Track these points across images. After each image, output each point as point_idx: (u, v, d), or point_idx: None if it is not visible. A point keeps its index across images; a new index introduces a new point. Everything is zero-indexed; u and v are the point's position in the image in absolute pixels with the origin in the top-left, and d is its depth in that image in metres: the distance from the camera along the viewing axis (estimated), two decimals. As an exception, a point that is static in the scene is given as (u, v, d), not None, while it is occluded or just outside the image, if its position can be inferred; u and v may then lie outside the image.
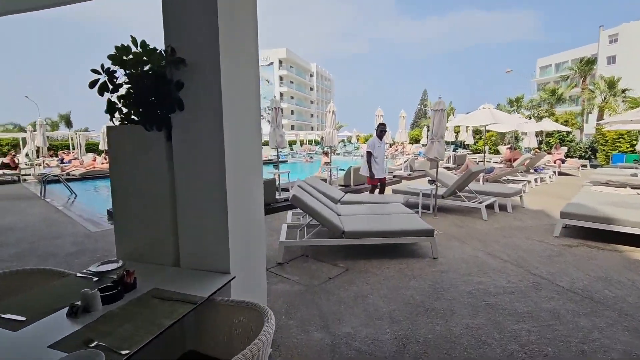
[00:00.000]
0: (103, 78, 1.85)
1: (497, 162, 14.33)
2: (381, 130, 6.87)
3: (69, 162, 16.25)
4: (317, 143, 33.37)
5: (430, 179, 7.31)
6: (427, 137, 25.82)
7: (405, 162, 12.81)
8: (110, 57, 1.83)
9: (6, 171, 12.48)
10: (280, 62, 62.82)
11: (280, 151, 25.66)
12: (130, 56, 1.82)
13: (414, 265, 4.08)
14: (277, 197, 7.69)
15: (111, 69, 1.86)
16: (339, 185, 9.77)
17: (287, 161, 22.69)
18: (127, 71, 1.83)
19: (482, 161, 18.63)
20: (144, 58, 1.79)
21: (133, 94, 1.85)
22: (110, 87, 1.85)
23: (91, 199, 9.94)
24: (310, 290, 3.48)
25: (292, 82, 65.45)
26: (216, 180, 1.87)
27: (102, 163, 15.04)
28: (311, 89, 73.77)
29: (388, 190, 7.60)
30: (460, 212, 6.86)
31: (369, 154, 6.69)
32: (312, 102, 73.90)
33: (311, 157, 22.60)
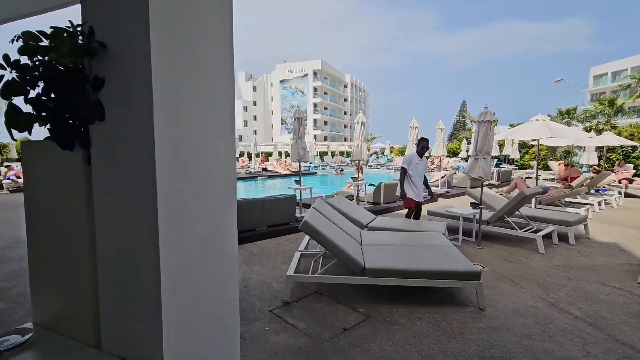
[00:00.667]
0: (9, 74, 1.30)
1: (547, 180, 12.80)
2: (423, 147, 5.80)
3: None
4: (348, 155, 32.65)
5: (473, 201, 6.33)
6: (468, 152, 24.18)
7: (442, 177, 11.73)
8: (20, 48, 1.28)
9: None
10: (315, 73, 63.29)
11: (310, 162, 25.31)
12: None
13: (453, 316, 3.22)
14: (298, 214, 7.06)
15: (21, 63, 1.30)
16: (368, 202, 8.96)
17: (316, 173, 22.16)
18: (36, 64, 1.27)
19: (528, 177, 16.95)
20: (51, 44, 1.21)
21: (41, 97, 1.28)
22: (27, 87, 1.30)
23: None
24: (317, 347, 2.74)
25: (326, 93, 65.62)
26: (147, 221, 1.23)
27: None
28: (345, 100, 73.54)
29: (422, 210, 6.69)
30: (509, 241, 5.81)
31: (403, 170, 5.78)
32: (345, 113, 73.57)
33: (342, 170, 21.90)
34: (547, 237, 5.64)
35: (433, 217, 6.51)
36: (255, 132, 61.41)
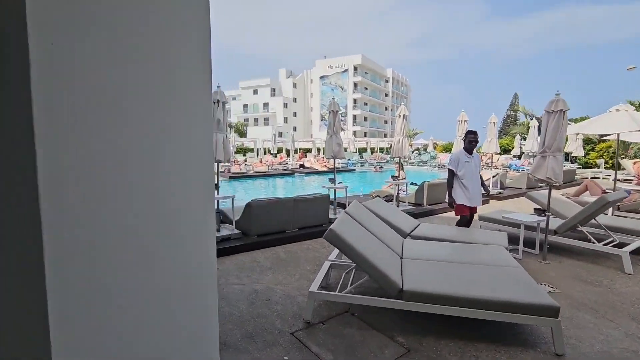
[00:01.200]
0: None
1: (620, 181, 11.09)
2: (470, 141, 4.92)
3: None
4: (388, 151, 31.52)
5: (537, 206, 5.40)
6: (521, 148, 22.16)
7: (494, 177, 10.58)
8: None
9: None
10: (355, 68, 62.16)
11: (349, 159, 24.65)
12: None
13: (519, 357, 2.52)
14: (332, 215, 6.53)
15: None
16: (409, 203, 8.21)
17: (354, 170, 21.48)
18: None
19: (596, 177, 14.96)
20: None
21: None
22: None
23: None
24: (344, 392, 2.21)
25: (366, 89, 64.28)
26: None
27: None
28: (386, 95, 71.58)
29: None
30: (583, 256, 4.84)
31: (451, 172, 4.97)
32: (386, 109, 71.63)
33: (381, 167, 21.03)
34: (635, 252, 4.60)
35: (485, 223, 5.66)
36: (294, 128, 61.83)
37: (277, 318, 3.13)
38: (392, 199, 8.20)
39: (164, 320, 1.13)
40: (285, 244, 5.40)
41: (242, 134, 54.46)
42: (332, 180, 6.72)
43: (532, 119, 25.22)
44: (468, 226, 5.07)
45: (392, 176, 8.06)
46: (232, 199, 5.38)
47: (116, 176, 0.98)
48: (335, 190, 6.78)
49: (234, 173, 16.15)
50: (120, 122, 0.98)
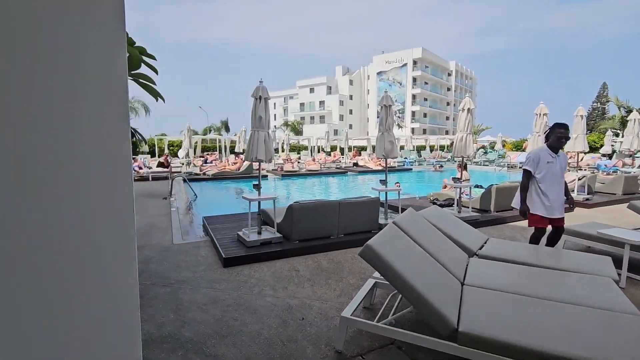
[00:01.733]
0: None
1: None
2: (559, 137, 3.92)
3: (211, 162, 18.27)
4: (450, 149, 29.41)
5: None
6: (613, 146, 19.05)
7: (580, 179, 8.99)
8: None
9: (160, 169, 14.61)
10: (415, 62, 59.47)
11: (405, 158, 23.40)
12: None
13: None
14: (383, 221, 5.94)
15: None
16: (473, 208, 7.24)
17: (411, 169, 20.29)
18: None
19: None
20: None
21: None
22: None
23: (207, 201, 10.30)
24: None
25: (426, 83, 61.17)
26: None
27: (232, 164, 16.21)
28: (448, 89, 67.41)
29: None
30: None
31: (527, 174, 4.07)
32: (448, 104, 67.49)
33: (441, 166, 19.54)
34: None
35: (571, 238, 4.62)
36: (350, 126, 61.23)
37: (309, 344, 2.70)
38: (453, 203, 7.30)
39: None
40: (328, 251, 4.96)
41: (297, 132, 55.43)
42: (384, 182, 6.10)
43: (630, 112, 21.52)
44: (553, 242, 4.14)
45: (454, 178, 7.15)
46: (274, 200, 5.08)
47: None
48: (386, 194, 6.15)
49: (287, 171, 16.17)
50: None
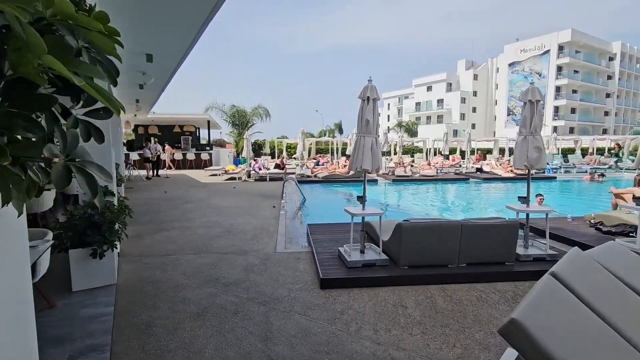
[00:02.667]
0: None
1: None
2: None
3: (322, 164, 18.66)
4: (613, 152, 23.09)
5: None
6: None
7: None
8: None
9: (277, 170, 15.56)
10: (561, 48, 49.53)
11: (548, 163, 19.30)
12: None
13: None
14: (522, 251, 4.60)
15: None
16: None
17: (555, 177, 16.57)
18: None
19: None
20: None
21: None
22: None
23: (315, 205, 10.28)
24: None
25: (576, 72, 50.20)
26: None
27: (343, 167, 16.11)
28: (609, 77, 53.81)
29: None
30: None
31: None
32: (609, 96, 53.93)
33: (601, 174, 15.27)
34: None
35: None
36: (472, 126, 55.13)
37: None
38: (632, 232, 5.29)
39: None
40: (445, 284, 4.01)
41: (412, 133, 52.80)
42: (524, 200, 4.73)
43: None
44: None
45: (637, 197, 5.09)
46: (380, 217, 4.40)
47: None
48: (528, 215, 4.76)
49: (398, 176, 15.15)
50: None
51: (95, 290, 3.87)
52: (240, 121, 26.09)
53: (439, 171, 16.84)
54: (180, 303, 3.56)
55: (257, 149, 28.00)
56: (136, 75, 7.05)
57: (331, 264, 4.36)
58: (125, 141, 18.00)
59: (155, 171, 15.90)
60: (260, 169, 15.28)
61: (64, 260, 3.81)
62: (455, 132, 51.31)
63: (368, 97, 4.23)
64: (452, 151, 25.85)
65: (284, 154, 20.90)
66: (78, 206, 4.21)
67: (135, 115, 16.26)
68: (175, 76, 7.93)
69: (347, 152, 20.24)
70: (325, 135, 48.95)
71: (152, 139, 17.01)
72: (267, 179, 14.83)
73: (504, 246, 4.32)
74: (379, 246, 4.52)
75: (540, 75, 51.35)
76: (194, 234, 6.14)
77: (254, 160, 17.13)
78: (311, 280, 4.15)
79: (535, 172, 16.04)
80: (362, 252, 4.49)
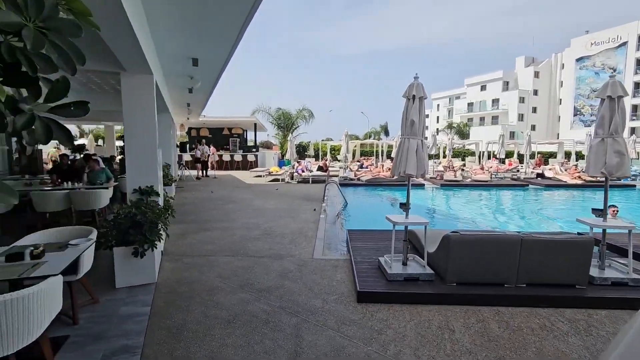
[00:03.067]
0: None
1: None
2: None
3: (366, 167, 18.24)
4: None
5: None
6: None
7: None
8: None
9: (319, 173, 15.46)
10: (642, 38, 43.88)
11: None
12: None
13: None
14: (596, 273, 3.93)
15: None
16: None
17: (634, 186, 14.53)
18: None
19: None
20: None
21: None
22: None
23: (357, 209, 9.96)
24: None
25: (661, 65, 44.11)
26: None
27: (388, 170, 15.57)
28: None
29: None
30: None
31: None
32: (702, 92, 46.60)
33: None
34: None
35: None
36: (532, 127, 50.85)
37: None
38: None
39: None
40: (501, 306, 3.53)
41: (463, 135, 50.04)
42: (600, 212, 4.04)
43: None
44: None
45: None
46: (425, 227, 4.01)
47: None
48: (604, 232, 4.06)
49: (447, 180, 14.26)
50: None
51: (136, 288, 3.96)
52: (285, 123, 26.51)
53: (493, 176, 15.60)
54: (213, 307, 3.50)
55: (301, 150, 28.24)
56: (185, 79, 7.32)
57: (370, 275, 4.06)
58: (178, 143, 19.09)
59: (204, 172, 16.63)
60: (303, 171, 15.28)
61: (112, 258, 3.95)
62: (513, 134, 47.73)
63: (414, 96, 3.88)
64: (509, 154, 23.95)
65: (328, 156, 20.77)
66: (124, 205, 4.37)
67: (188, 118, 17.14)
68: (225, 81, 8.13)
69: (392, 155, 19.61)
70: (370, 137, 48.13)
71: (202, 140, 17.82)
72: (310, 181, 14.78)
73: (575, 266, 3.70)
74: (423, 258, 4.13)
75: (614, 70, 45.94)
76: (234, 235, 6.17)
77: (297, 162, 17.20)
78: (348, 291, 3.89)
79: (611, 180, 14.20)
80: (404, 264, 4.13)
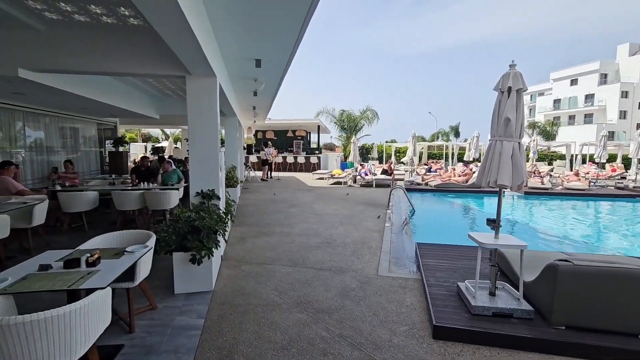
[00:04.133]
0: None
1: None
2: None
3: (435, 171, 16.94)
4: None
5: None
6: None
7: None
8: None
9: (384, 176, 14.71)
10: None
11: None
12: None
13: None
14: None
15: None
16: None
17: None
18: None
19: None
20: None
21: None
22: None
23: (426, 218, 9.08)
24: None
25: None
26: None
27: (460, 175, 14.20)
28: None
29: None
30: None
31: None
32: None
33: None
34: None
35: None
36: (638, 126, 43.12)
37: None
38: None
39: None
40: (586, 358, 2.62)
41: (548, 135, 44.44)
42: None
43: None
44: None
45: None
46: (522, 251, 3.21)
47: None
48: None
49: (532, 188, 12.45)
50: None
51: (193, 295, 3.85)
52: (349, 125, 26.11)
53: (591, 184, 13.27)
54: (267, 328, 3.19)
55: (365, 153, 27.55)
56: (249, 82, 7.30)
57: (448, 304, 3.40)
58: (245, 145, 19.83)
59: (270, 173, 16.97)
60: (366, 174, 14.69)
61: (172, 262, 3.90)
62: (612, 134, 41.11)
63: (509, 88, 3.14)
64: (612, 157, 20.43)
65: (393, 158, 19.82)
66: (184, 209, 4.32)
67: (254, 121, 17.70)
68: (290, 84, 8.00)
69: (466, 158, 17.94)
70: (438, 138, 45.36)
71: (267, 142, 18.26)
72: (374, 185, 14.13)
73: None
74: (517, 288, 3.33)
75: None
76: (293, 242, 5.89)
77: (360, 164, 16.63)
78: (420, 322, 3.28)
79: None
80: (491, 293, 3.38)
